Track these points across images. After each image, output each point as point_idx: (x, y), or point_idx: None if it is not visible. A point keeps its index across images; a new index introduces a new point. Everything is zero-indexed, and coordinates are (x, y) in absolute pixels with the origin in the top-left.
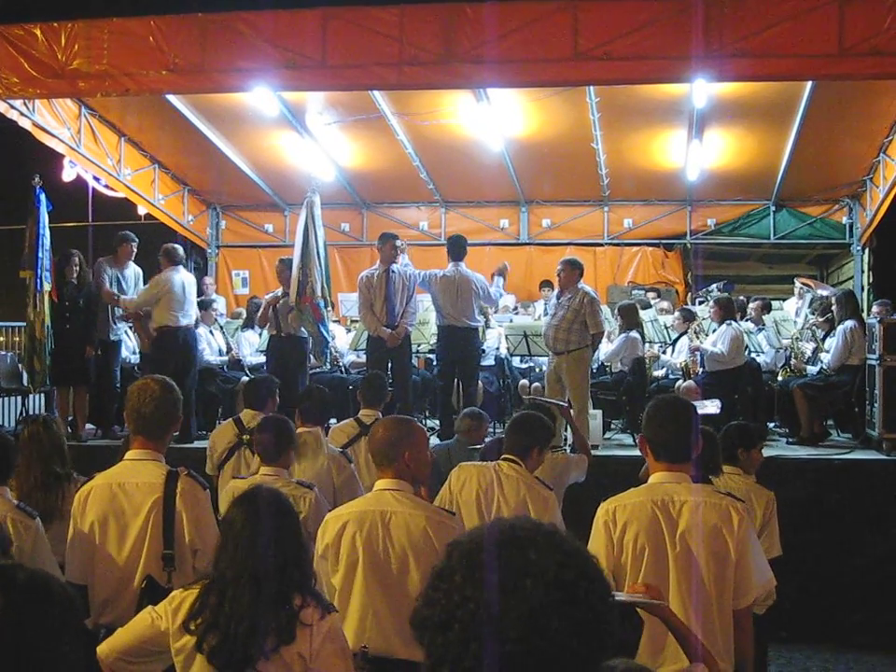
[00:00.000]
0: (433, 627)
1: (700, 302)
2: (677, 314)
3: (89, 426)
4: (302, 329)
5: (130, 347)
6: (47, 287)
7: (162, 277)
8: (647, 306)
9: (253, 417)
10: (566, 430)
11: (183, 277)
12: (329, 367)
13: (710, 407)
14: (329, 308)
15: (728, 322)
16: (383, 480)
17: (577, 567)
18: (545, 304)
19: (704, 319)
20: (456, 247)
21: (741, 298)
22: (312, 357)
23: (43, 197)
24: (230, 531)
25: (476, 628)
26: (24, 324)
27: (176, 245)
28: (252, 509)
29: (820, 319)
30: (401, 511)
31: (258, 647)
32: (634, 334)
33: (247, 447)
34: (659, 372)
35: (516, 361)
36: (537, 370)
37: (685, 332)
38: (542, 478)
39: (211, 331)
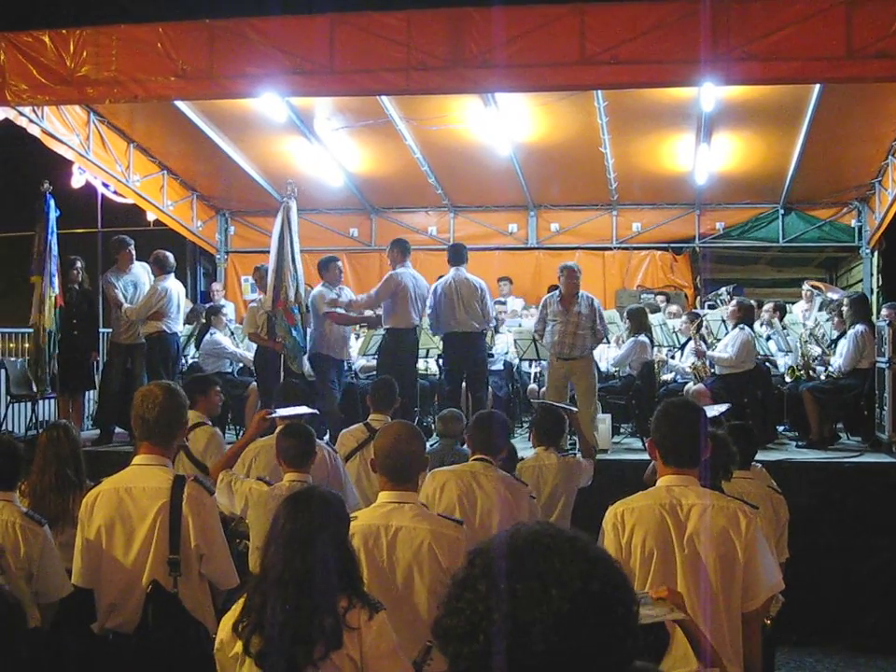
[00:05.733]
0: (458, 638)
1: (711, 306)
2: (684, 317)
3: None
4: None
5: None
6: (52, 292)
7: (159, 287)
8: (656, 310)
9: (192, 416)
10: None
11: (175, 286)
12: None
13: (716, 410)
14: (300, 313)
15: (741, 326)
16: (390, 492)
17: (602, 576)
18: (543, 310)
19: (713, 320)
20: (455, 254)
21: (752, 302)
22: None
23: (52, 202)
24: (273, 530)
25: (502, 639)
26: (32, 330)
27: (167, 253)
28: (297, 508)
29: (836, 320)
30: (407, 525)
31: (305, 655)
32: (642, 338)
33: (180, 449)
34: (667, 377)
35: (525, 366)
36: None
37: (690, 338)
38: (555, 481)
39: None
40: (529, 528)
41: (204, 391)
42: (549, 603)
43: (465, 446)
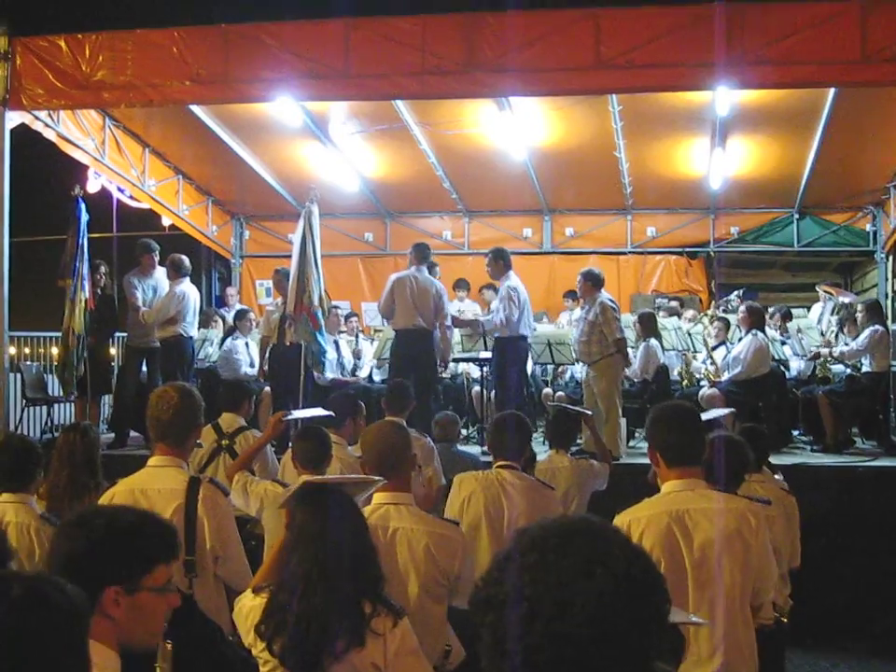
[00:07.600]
0: (499, 604)
1: (724, 312)
2: (718, 324)
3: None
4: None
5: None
6: (82, 295)
7: (177, 291)
8: (675, 314)
9: (234, 420)
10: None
11: (191, 290)
12: (330, 377)
13: (717, 413)
14: (324, 317)
15: (754, 332)
16: (384, 493)
17: (644, 566)
18: (570, 315)
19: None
20: (508, 258)
21: (759, 305)
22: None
23: (83, 206)
24: (294, 527)
25: (543, 608)
26: (52, 334)
27: (183, 257)
28: (318, 506)
29: (850, 327)
30: (405, 526)
31: (329, 647)
32: (652, 342)
33: (227, 452)
34: (698, 375)
35: (538, 370)
36: (559, 379)
37: (724, 342)
38: (567, 484)
39: (247, 343)
40: (579, 515)
41: (249, 396)
42: (593, 579)
43: (465, 448)
